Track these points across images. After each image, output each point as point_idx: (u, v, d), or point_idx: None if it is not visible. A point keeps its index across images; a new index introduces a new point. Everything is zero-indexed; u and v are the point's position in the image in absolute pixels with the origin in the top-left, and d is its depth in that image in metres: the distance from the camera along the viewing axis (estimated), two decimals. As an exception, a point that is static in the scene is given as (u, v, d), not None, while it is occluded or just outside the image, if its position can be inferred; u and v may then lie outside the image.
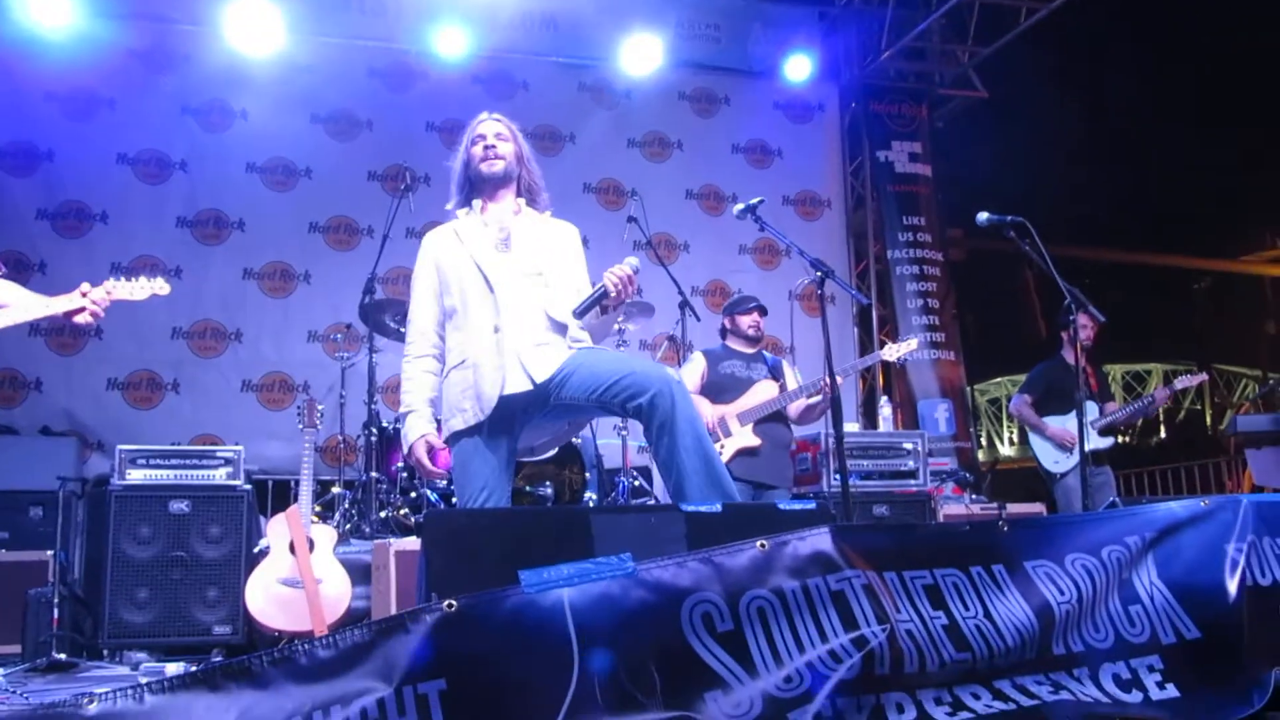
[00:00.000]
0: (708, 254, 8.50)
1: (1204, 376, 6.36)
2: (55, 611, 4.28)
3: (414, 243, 6.78)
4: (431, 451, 2.92)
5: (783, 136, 8.94)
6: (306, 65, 7.69)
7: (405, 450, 2.96)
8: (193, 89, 7.53)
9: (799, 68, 8.75)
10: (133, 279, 3.79)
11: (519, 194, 3.12)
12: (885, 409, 7.48)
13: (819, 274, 3.43)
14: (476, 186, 3.09)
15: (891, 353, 5.18)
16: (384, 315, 5.63)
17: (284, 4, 7.48)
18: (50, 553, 4.61)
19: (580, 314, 2.87)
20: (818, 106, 9.09)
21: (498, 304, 2.89)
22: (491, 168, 3.06)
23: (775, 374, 5.18)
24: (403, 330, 5.41)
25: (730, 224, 7.63)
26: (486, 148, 3.06)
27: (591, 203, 8.05)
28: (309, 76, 7.70)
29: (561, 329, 2.91)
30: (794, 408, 5.13)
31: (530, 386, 2.87)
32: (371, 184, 7.76)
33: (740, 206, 3.59)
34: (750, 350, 5.24)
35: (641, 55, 8.26)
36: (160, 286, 3.76)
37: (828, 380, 3.78)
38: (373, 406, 5.70)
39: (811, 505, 2.46)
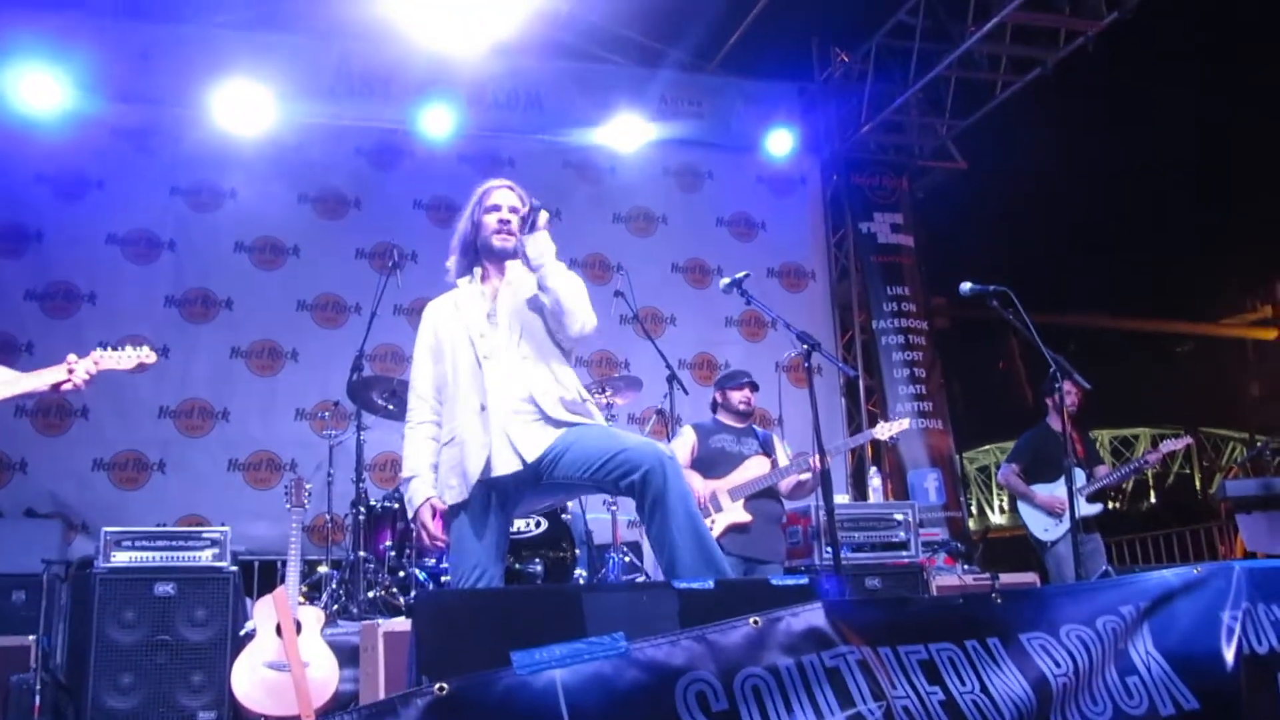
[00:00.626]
0: (694, 327, 8.46)
1: (1190, 440, 6.37)
2: (37, 699, 4.22)
3: (401, 320, 7.56)
4: (436, 516, 2.91)
5: (766, 209, 8.96)
6: (295, 145, 7.74)
7: (410, 515, 2.95)
8: (181, 169, 7.56)
9: (780, 142, 8.81)
10: (119, 349, 3.78)
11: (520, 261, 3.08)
12: (875, 480, 7.44)
13: (805, 346, 3.46)
14: (482, 256, 3.08)
15: (883, 431, 5.20)
16: (372, 392, 5.60)
17: (272, 84, 7.52)
18: (33, 638, 4.52)
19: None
20: (800, 180, 9.12)
21: (484, 382, 2.89)
22: (504, 243, 3.05)
23: (766, 449, 5.16)
24: (390, 408, 5.56)
25: (717, 296, 7.75)
26: (501, 221, 3.05)
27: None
28: (297, 155, 7.75)
29: (552, 406, 2.89)
30: (785, 483, 5.13)
31: (520, 466, 2.86)
32: (359, 262, 7.77)
33: (726, 281, 3.63)
34: (741, 425, 5.23)
35: (625, 132, 8.32)
36: (147, 355, 3.74)
37: (817, 458, 3.81)
38: (360, 485, 5.67)
39: (804, 580, 2.46)
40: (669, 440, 5.30)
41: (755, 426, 5.28)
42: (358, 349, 5.66)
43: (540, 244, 2.89)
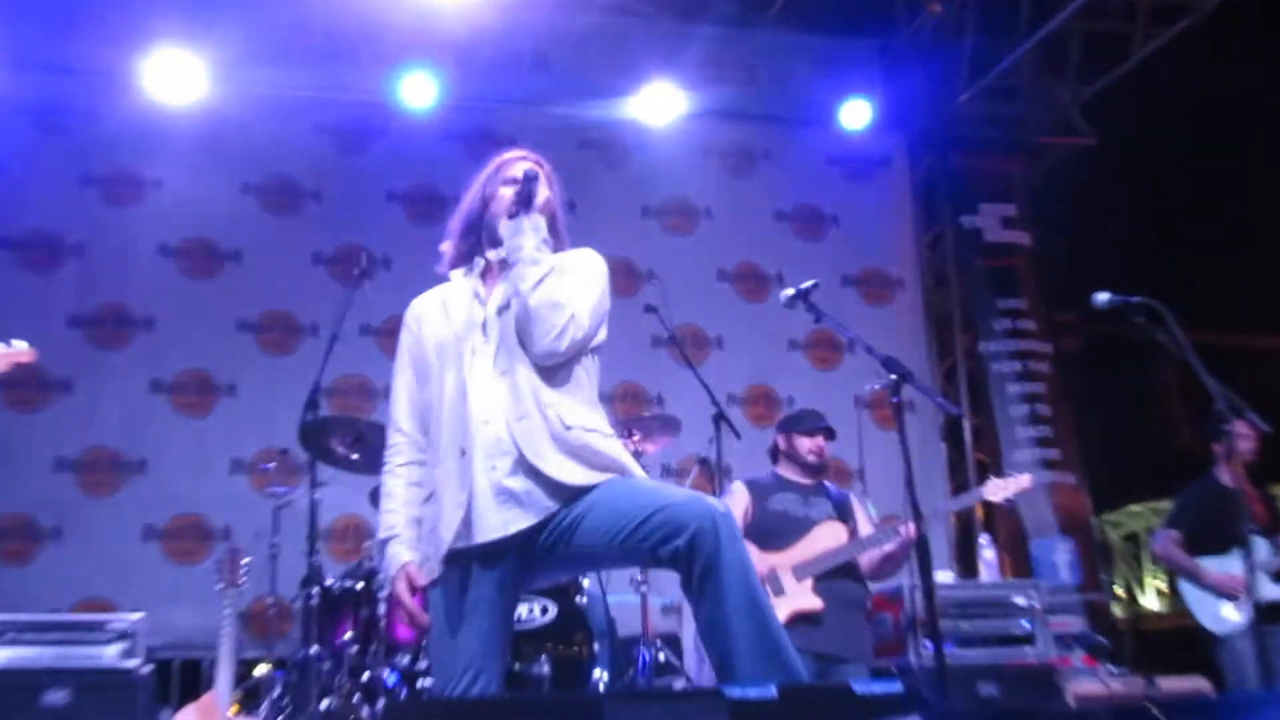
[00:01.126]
0: (748, 351, 8.40)
1: None
2: None
3: (370, 344, 7.22)
4: (417, 592, 2.87)
5: (839, 199, 8.90)
6: (237, 121, 7.76)
7: (385, 589, 2.95)
8: (94, 153, 7.56)
9: (856, 115, 8.80)
10: None
11: None
12: (987, 552, 7.45)
13: (893, 376, 3.38)
14: (486, 242, 3.06)
15: (997, 491, 5.03)
16: (331, 438, 5.53)
17: (210, 44, 7.53)
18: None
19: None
20: (882, 162, 9.06)
21: (468, 414, 2.84)
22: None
23: (842, 513, 5.14)
24: (355, 457, 5.47)
25: (777, 312, 6.07)
26: (513, 185, 3.04)
27: None
28: (240, 135, 7.76)
29: (564, 451, 2.78)
30: (868, 557, 5.08)
31: (516, 531, 2.79)
32: (317, 269, 7.77)
33: (789, 293, 3.58)
34: (809, 481, 5.21)
35: (657, 103, 8.36)
36: (21, 352, 3.45)
37: (911, 524, 3.80)
38: (314, 559, 5.54)
39: (897, 686, 2.41)
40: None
41: (828, 483, 5.25)
42: (313, 382, 5.51)
43: (520, 227, 2.89)
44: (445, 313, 3.00)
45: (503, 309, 2.92)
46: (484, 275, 3.02)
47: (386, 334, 7.16)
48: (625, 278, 7.90)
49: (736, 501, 5.11)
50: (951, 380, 9.08)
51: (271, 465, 6.33)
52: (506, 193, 3.01)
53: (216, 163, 7.77)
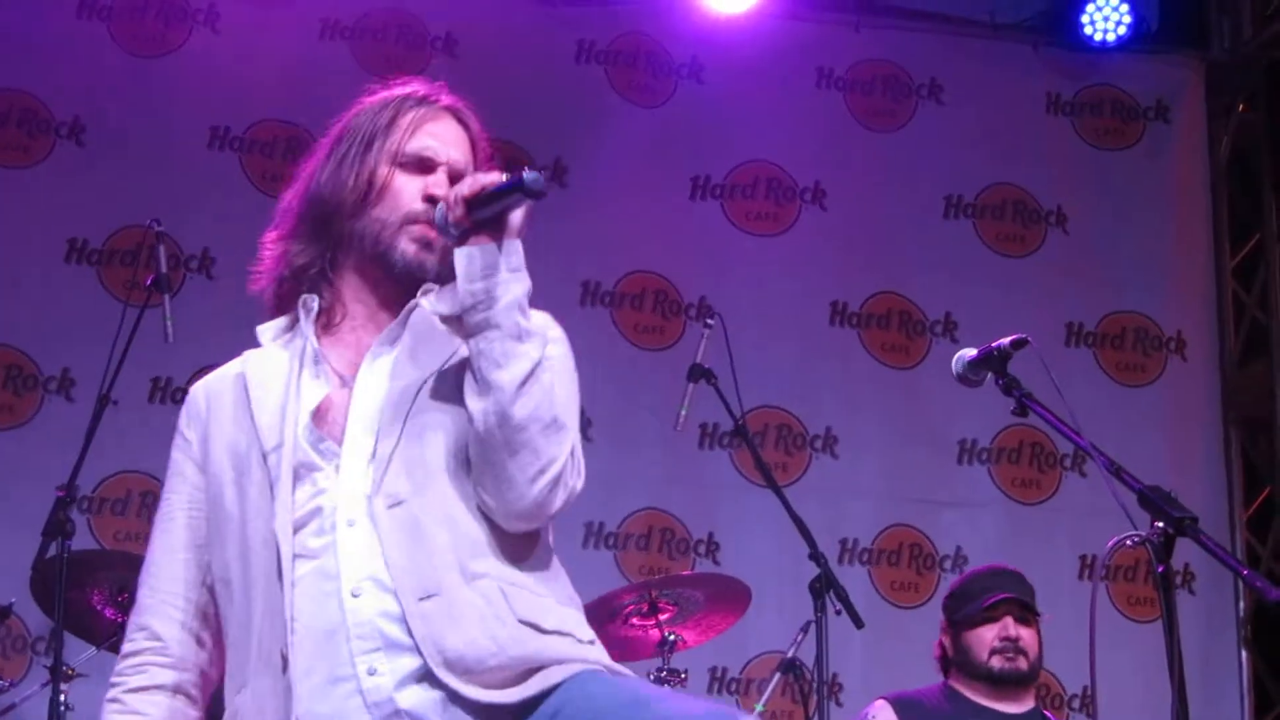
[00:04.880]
0: (880, 460, 6.91)
1: None
2: None
3: (170, 413, 5.36)
4: None
5: (1070, 178, 7.21)
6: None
7: None
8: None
9: (1107, 19, 7.03)
10: None
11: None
12: None
13: (1159, 525, 2.83)
14: (353, 262, 2.47)
15: None
16: (90, 591, 4.96)
17: None
18: None
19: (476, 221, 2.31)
20: (1154, 112, 7.34)
21: (289, 603, 2.34)
22: (424, 254, 2.40)
23: None
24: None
25: (939, 388, 6.72)
26: (429, 197, 2.39)
27: (601, 323, 6.75)
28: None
29: (511, 658, 2.35)
30: None
31: None
32: (77, 270, 6.37)
33: (970, 355, 3.15)
34: (1012, 704, 4.62)
35: None
36: None
37: None
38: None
39: None
40: None
41: (1048, 714, 4.84)
42: (63, 484, 4.83)
43: (497, 263, 2.31)
44: (249, 401, 2.47)
45: (406, 388, 2.43)
46: (325, 325, 2.48)
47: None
48: (655, 310, 6.79)
49: None
50: (1265, 532, 7.35)
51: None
52: (408, 185, 2.42)
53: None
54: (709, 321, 5.49)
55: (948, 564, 6.66)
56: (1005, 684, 4.62)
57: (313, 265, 2.47)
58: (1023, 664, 4.59)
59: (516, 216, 2.28)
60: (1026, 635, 4.61)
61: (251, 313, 7.07)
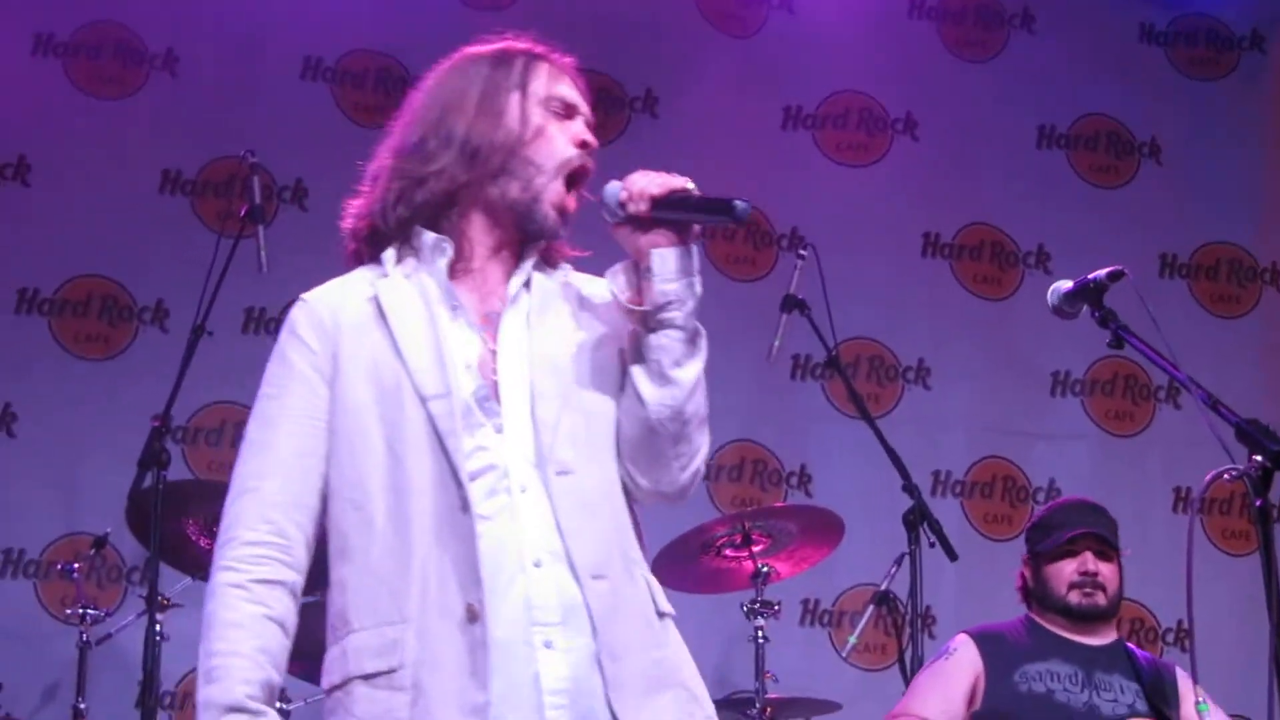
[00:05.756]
0: (975, 392, 6.90)
1: None
2: None
3: (265, 345, 5.65)
4: None
5: (1164, 112, 7.19)
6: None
7: None
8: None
9: None
10: None
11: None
12: None
13: (1257, 458, 2.81)
14: (483, 216, 2.51)
15: None
16: (186, 520, 4.94)
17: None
18: None
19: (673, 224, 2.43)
20: (1248, 41, 7.34)
21: (478, 551, 2.33)
22: (557, 226, 2.49)
23: (1159, 701, 4.56)
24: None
25: (1033, 320, 6.69)
26: (585, 143, 2.50)
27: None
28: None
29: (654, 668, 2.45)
30: None
31: None
32: (164, 199, 6.33)
33: (1066, 287, 3.16)
34: (1092, 637, 4.63)
35: None
36: None
37: None
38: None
39: None
40: (910, 676, 4.97)
41: (1133, 647, 4.82)
42: (158, 414, 4.92)
43: (689, 266, 2.40)
44: (389, 331, 2.43)
45: (552, 354, 2.50)
46: (459, 272, 2.50)
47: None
48: (747, 240, 6.78)
49: (958, 672, 4.65)
50: None
51: (76, 568, 5.49)
52: (558, 132, 2.51)
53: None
54: (801, 253, 5.53)
55: (1040, 496, 6.68)
56: (1083, 619, 4.65)
57: (437, 200, 2.49)
58: (1100, 599, 4.62)
59: (698, 224, 2.42)
60: (1106, 570, 4.64)
61: (341, 244, 6.92)
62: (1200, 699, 4.33)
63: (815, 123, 6.89)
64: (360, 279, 2.50)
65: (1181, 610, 6.36)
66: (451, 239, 2.47)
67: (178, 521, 4.83)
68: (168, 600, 4.88)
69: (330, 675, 2.41)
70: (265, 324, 6.21)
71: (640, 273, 2.40)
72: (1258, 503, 2.81)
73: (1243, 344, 7.05)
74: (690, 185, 2.40)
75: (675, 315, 2.35)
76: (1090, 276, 3.12)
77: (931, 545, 5.04)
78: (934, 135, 7.02)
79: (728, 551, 5.21)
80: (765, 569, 5.16)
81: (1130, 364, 6.74)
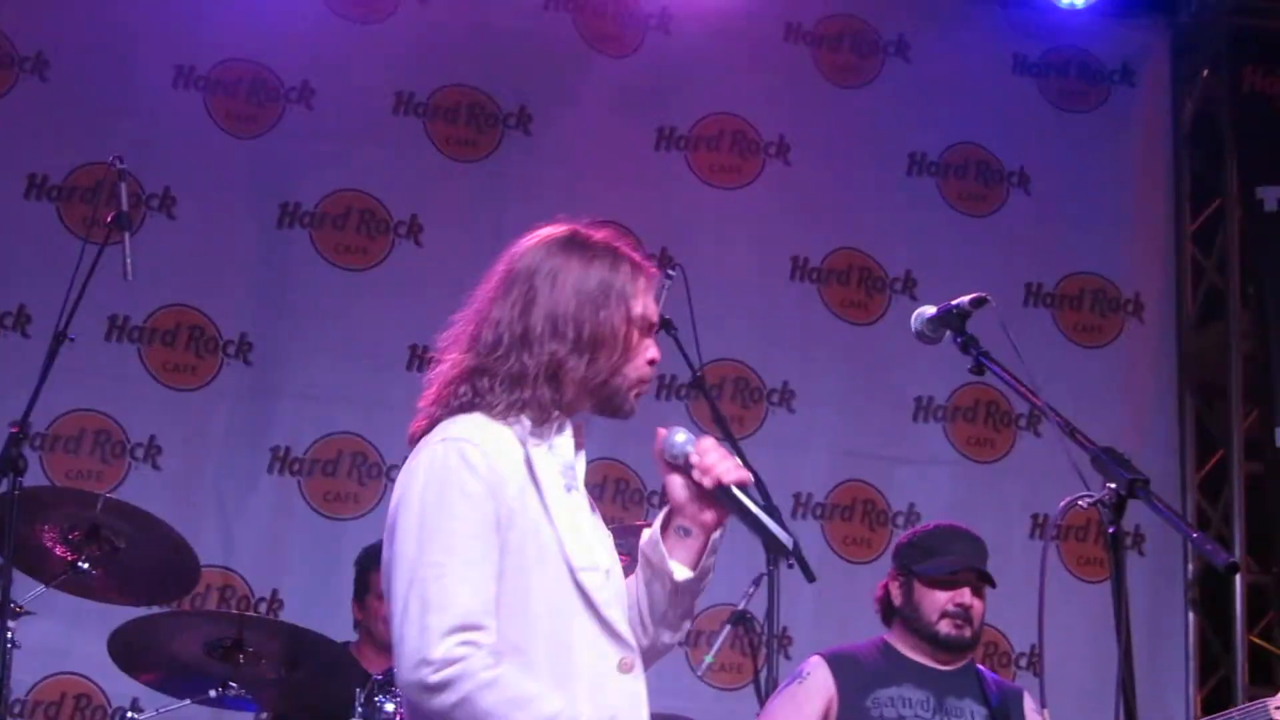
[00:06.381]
0: (837, 414, 7.01)
1: None
2: None
3: (130, 353, 6.64)
4: None
5: (1033, 140, 7.29)
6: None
7: None
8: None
9: None
10: None
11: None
12: None
13: (1111, 486, 2.86)
14: (571, 400, 2.76)
15: None
16: (42, 525, 5.04)
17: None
18: None
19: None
20: (1119, 75, 7.40)
21: (639, 698, 2.73)
22: (631, 413, 2.83)
23: None
24: (84, 566, 4.97)
25: (897, 345, 6.94)
26: (652, 361, 2.82)
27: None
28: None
29: None
30: None
31: None
32: (39, 206, 6.38)
33: (929, 313, 3.20)
34: (946, 664, 4.65)
35: None
36: None
37: None
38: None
39: None
40: (765, 696, 4.98)
41: (983, 669, 4.85)
42: (16, 420, 4.75)
43: (729, 467, 2.74)
44: (542, 500, 2.67)
45: (606, 540, 2.90)
46: (553, 434, 2.82)
47: (160, 338, 6.28)
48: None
49: (811, 697, 4.72)
50: (1216, 496, 7.40)
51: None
52: (653, 346, 2.84)
53: None
54: (670, 272, 5.42)
55: (900, 520, 6.76)
56: (947, 649, 4.69)
57: (545, 378, 2.69)
58: (968, 632, 4.67)
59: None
60: (978, 606, 4.68)
61: (211, 253, 7.14)
62: (1046, 721, 4.47)
63: (688, 144, 6.93)
64: (507, 436, 2.67)
65: (1034, 635, 6.52)
66: (563, 415, 2.73)
67: (32, 528, 4.80)
68: (20, 608, 4.78)
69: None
70: (128, 332, 6.22)
71: (674, 527, 2.71)
72: (1110, 530, 2.88)
73: (1104, 374, 7.14)
74: (750, 479, 2.75)
75: (701, 584, 2.71)
76: (954, 302, 3.17)
77: (790, 567, 4.78)
78: (806, 159, 7.05)
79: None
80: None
81: (992, 391, 6.78)
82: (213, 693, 4.55)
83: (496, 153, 6.70)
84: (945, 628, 4.60)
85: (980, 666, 4.85)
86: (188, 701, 4.96)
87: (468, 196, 6.41)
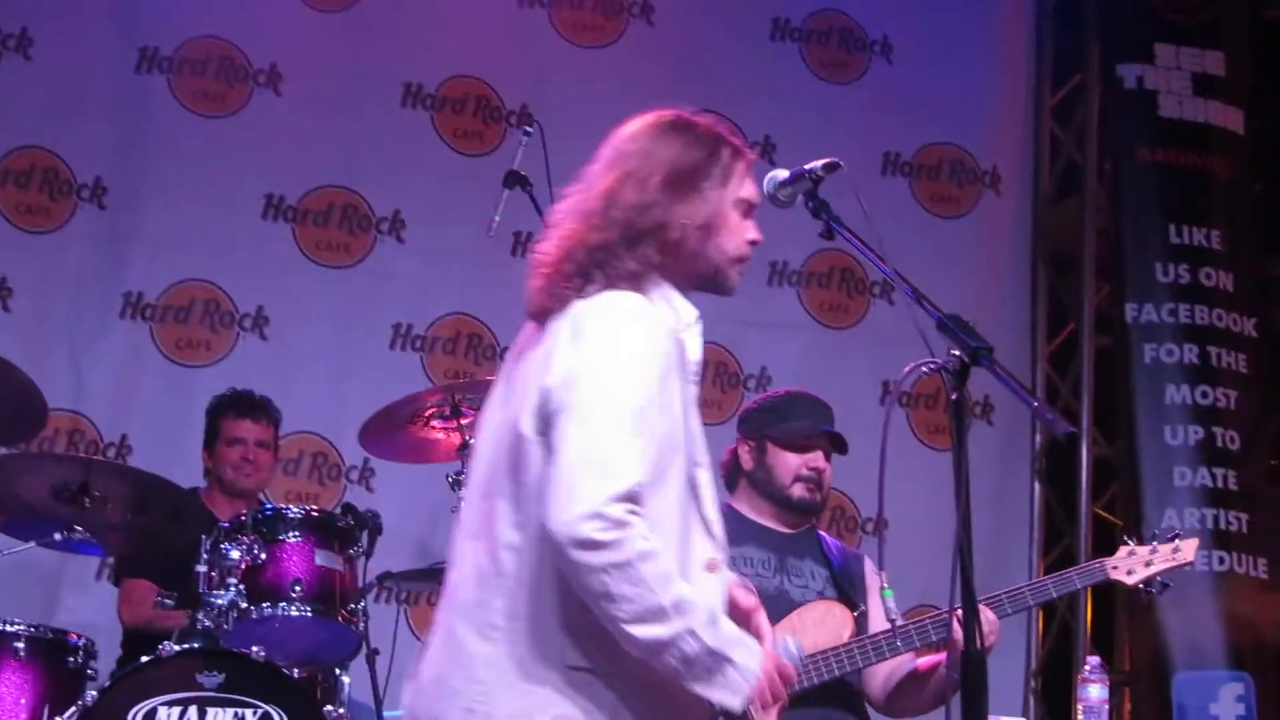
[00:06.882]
0: None
1: None
2: None
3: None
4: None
5: (901, 7, 7.37)
6: None
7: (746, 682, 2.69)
8: None
9: None
10: None
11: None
12: (1094, 688, 5.55)
13: (956, 353, 2.93)
14: (680, 276, 2.85)
15: (1131, 569, 4.53)
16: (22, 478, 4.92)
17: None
18: None
19: None
20: None
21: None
22: (734, 288, 2.98)
23: (845, 588, 4.78)
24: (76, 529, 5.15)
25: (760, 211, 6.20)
26: (753, 242, 2.94)
27: (420, 126, 6.86)
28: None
29: None
30: (881, 676, 4.65)
31: None
32: None
33: (782, 176, 3.19)
34: (792, 527, 4.76)
35: None
36: None
37: (959, 624, 3.06)
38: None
39: None
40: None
41: (824, 535, 4.96)
42: None
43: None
44: (684, 389, 2.79)
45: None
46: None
47: (14, 179, 6.17)
48: (476, 114, 6.94)
49: None
50: (1066, 369, 7.58)
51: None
52: (754, 226, 2.97)
53: None
54: (528, 129, 5.56)
55: (751, 383, 6.89)
56: (798, 512, 4.79)
57: (638, 258, 2.74)
58: (819, 496, 4.79)
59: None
60: (828, 470, 4.80)
61: (67, 96, 7.09)
62: (885, 585, 4.07)
63: (551, 1, 6.85)
64: (660, 315, 2.77)
65: (878, 500, 6.59)
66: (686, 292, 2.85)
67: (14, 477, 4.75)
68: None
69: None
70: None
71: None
72: (953, 396, 2.96)
73: (959, 244, 7.27)
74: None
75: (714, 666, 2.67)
76: (806, 167, 3.18)
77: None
78: (670, 20, 7.04)
79: (435, 423, 5.29)
80: (473, 441, 5.27)
81: (847, 258, 6.90)
82: (58, 536, 4.51)
83: (359, 4, 6.60)
84: (798, 491, 4.69)
85: (821, 532, 4.97)
86: (33, 544, 4.92)
87: (328, 48, 6.34)
